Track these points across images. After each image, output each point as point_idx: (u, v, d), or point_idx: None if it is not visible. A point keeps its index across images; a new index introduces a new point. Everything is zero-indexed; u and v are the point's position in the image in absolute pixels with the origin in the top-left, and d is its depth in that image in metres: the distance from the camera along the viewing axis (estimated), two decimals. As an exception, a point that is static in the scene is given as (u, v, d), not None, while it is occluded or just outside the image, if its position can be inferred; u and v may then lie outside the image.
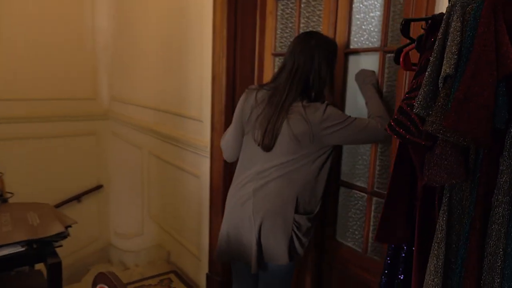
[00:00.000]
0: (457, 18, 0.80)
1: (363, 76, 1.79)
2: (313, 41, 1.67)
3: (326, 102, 1.64)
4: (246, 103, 1.79)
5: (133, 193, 3.73)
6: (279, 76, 1.71)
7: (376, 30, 1.91)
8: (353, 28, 2.01)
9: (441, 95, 0.78)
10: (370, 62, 1.95)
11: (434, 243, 0.92)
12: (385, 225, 0.95)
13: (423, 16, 1.37)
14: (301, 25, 2.29)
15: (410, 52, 1.03)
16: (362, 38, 1.98)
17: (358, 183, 2.04)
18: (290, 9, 2.37)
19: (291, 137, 1.63)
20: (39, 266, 1.78)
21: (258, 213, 1.69)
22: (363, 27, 1.97)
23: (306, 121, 1.59)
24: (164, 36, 3.04)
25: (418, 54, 1.04)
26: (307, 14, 2.26)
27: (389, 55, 1.85)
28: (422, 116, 0.82)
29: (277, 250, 1.67)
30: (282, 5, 2.41)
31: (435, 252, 0.91)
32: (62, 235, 1.61)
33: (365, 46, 1.97)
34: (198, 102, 2.70)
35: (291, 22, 2.36)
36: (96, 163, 4.07)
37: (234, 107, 2.48)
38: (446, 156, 0.85)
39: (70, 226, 1.68)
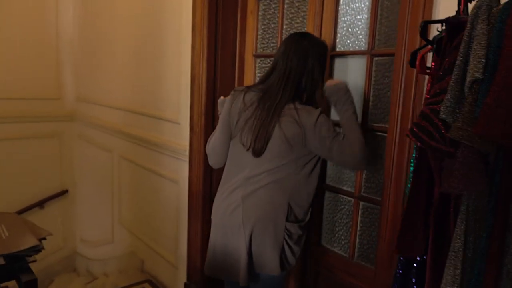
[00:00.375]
0: (482, 20, 0.77)
1: (337, 95, 1.65)
2: (306, 42, 1.62)
3: (319, 109, 1.59)
4: (234, 106, 1.71)
5: (102, 199, 3.55)
6: (270, 77, 1.64)
7: (363, 33, 1.89)
8: (339, 30, 1.98)
9: (468, 100, 0.76)
10: (356, 65, 1.93)
11: (451, 253, 0.89)
12: (406, 235, 0.92)
13: (420, 16, 1.36)
14: (284, 26, 2.24)
15: (425, 55, 1.00)
16: (348, 41, 1.96)
17: (345, 188, 2.02)
18: (272, 10, 2.32)
19: (283, 141, 1.57)
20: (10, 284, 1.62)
21: (248, 221, 1.62)
22: (350, 29, 1.94)
23: (299, 124, 1.54)
24: (138, 34, 2.91)
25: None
26: (290, 15, 2.22)
27: (376, 58, 1.84)
28: (448, 122, 0.79)
29: (269, 259, 1.61)
30: (264, 5, 2.36)
31: (452, 261, 0.88)
32: (36, 249, 1.47)
33: (351, 49, 1.95)
34: (175, 104, 2.59)
35: (274, 23, 2.31)
36: (60, 167, 3.85)
37: (215, 108, 2.41)
38: (468, 163, 0.82)
39: (44, 238, 1.54)
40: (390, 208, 1.54)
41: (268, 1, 2.33)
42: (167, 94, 2.66)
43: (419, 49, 1.04)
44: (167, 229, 2.78)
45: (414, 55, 1.07)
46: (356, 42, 1.92)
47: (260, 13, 2.38)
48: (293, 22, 2.20)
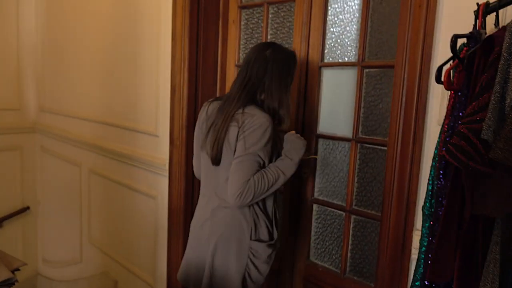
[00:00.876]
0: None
1: (292, 149, 1.58)
2: (268, 51, 1.55)
3: (267, 118, 1.46)
4: (199, 118, 1.71)
5: (69, 216, 3.32)
6: (233, 86, 1.60)
7: (352, 44, 1.87)
8: (328, 41, 1.95)
9: (509, 120, 0.72)
10: (346, 77, 1.91)
11: (487, 275, 0.85)
12: (441, 260, 0.87)
13: (422, 30, 1.35)
14: (269, 36, 2.19)
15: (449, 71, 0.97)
16: (337, 52, 1.93)
17: (335, 201, 1.98)
18: (256, 19, 2.26)
19: (227, 147, 1.49)
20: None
21: (213, 236, 1.58)
22: (339, 40, 1.92)
23: (239, 127, 1.46)
24: (109, 41, 2.76)
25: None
26: (275, 25, 2.17)
27: (367, 70, 1.82)
28: (488, 141, 0.75)
29: (231, 277, 1.54)
30: (247, 14, 2.30)
31: (489, 285, 0.84)
32: (9, 282, 1.31)
33: (340, 60, 1.92)
34: (153, 115, 2.47)
35: (257, 33, 2.26)
36: (21, 182, 3.57)
37: (197, 121, 2.31)
38: (503, 184, 0.79)
39: (18, 269, 1.38)
40: (392, 224, 1.50)
41: (251, 11, 2.28)
42: (144, 105, 2.53)
43: (444, 64, 1.02)
44: (144, 247, 2.62)
45: (439, 70, 1.04)
46: (346, 53, 1.90)
47: (242, 23, 2.32)
48: (278, 32, 2.16)
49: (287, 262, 2.15)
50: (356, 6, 1.84)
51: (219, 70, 2.37)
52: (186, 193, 2.33)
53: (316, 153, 2.00)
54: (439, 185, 0.97)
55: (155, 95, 2.44)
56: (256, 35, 2.26)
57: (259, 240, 1.56)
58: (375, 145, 1.81)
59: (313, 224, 2.09)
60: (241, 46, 2.33)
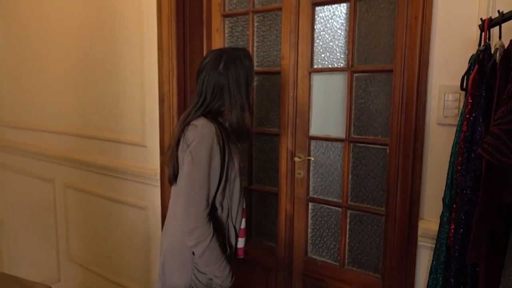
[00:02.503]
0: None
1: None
2: (221, 66, 1.45)
3: (212, 126, 1.39)
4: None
5: (42, 234, 3.17)
6: (192, 100, 1.53)
7: (341, 50, 2.00)
8: (316, 48, 2.06)
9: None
10: (336, 81, 2.03)
11: (510, 257, 1.00)
12: (477, 243, 1.00)
13: (419, 37, 1.50)
14: (256, 44, 2.26)
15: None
16: (326, 58, 2.05)
17: (331, 198, 2.10)
18: (241, 27, 2.32)
19: (180, 164, 1.45)
20: None
21: (162, 248, 1.57)
22: (327, 47, 2.04)
23: (183, 140, 1.41)
24: (85, 53, 2.68)
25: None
26: (262, 33, 2.25)
27: (357, 74, 1.95)
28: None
29: None
30: (231, 22, 2.35)
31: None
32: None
33: (330, 66, 2.04)
34: (139, 125, 2.44)
35: (243, 41, 2.32)
36: (-19, 203, 3.35)
37: (187, 129, 2.33)
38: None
39: (43, 293, 1.35)
40: (398, 215, 1.64)
41: (235, 19, 2.33)
42: (128, 115, 2.49)
43: (466, 73, 1.16)
44: (135, 259, 2.59)
45: (463, 79, 1.18)
46: (335, 59, 2.02)
47: (226, 31, 2.37)
48: (265, 40, 2.24)
49: (284, 260, 2.23)
50: (343, 15, 1.97)
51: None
52: (180, 201, 2.34)
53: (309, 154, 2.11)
54: (461, 178, 1.11)
55: (140, 105, 2.42)
56: (241, 43, 2.33)
57: None
58: (367, 144, 1.95)
59: (309, 221, 2.19)
60: (226, 54, 2.38)
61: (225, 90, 1.44)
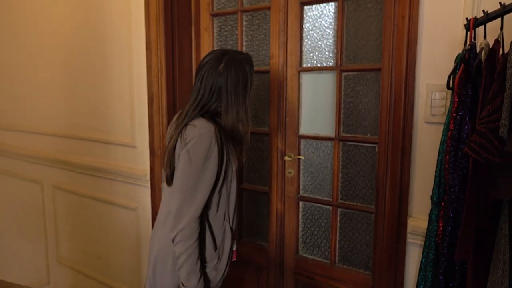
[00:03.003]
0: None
1: None
2: (221, 66, 1.42)
3: (211, 126, 1.37)
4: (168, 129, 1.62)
5: (30, 236, 3.13)
6: (188, 102, 1.49)
7: (330, 49, 2.00)
8: (305, 47, 2.07)
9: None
10: (325, 80, 2.04)
11: (498, 250, 1.02)
12: (465, 240, 1.02)
13: (406, 37, 1.51)
14: (245, 43, 2.26)
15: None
16: (315, 57, 2.06)
17: (321, 197, 2.11)
18: (230, 27, 2.32)
19: (175, 164, 1.42)
20: None
21: (152, 253, 1.54)
22: (316, 46, 2.04)
23: (181, 140, 1.39)
24: (73, 53, 2.65)
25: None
26: (251, 33, 2.24)
27: (345, 73, 1.96)
28: (503, 138, 0.91)
29: None
30: (220, 21, 2.35)
31: (501, 262, 1.00)
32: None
33: (319, 65, 2.04)
34: (128, 126, 2.42)
35: (232, 40, 2.31)
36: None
37: (177, 129, 2.32)
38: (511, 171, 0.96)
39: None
40: (387, 212, 1.66)
41: (223, 18, 2.33)
42: (117, 116, 2.47)
43: (454, 72, 1.17)
44: (126, 261, 2.57)
45: (449, 78, 1.19)
46: (324, 58, 2.03)
47: (215, 30, 2.36)
48: (254, 39, 2.23)
49: (275, 259, 2.24)
50: (332, 14, 1.98)
51: (194, 78, 2.39)
52: (170, 202, 2.33)
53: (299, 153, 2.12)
54: (448, 176, 1.13)
55: (129, 106, 2.40)
56: (230, 42, 2.32)
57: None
58: (356, 142, 1.96)
59: (300, 220, 2.20)
60: (215, 53, 2.37)
61: (223, 91, 1.42)
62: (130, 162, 2.45)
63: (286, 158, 2.12)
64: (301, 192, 2.17)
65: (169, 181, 1.46)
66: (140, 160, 2.40)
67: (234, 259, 1.61)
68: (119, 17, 2.38)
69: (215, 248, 1.49)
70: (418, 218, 1.59)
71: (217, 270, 1.51)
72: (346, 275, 2.04)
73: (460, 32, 1.43)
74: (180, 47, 2.32)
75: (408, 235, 1.61)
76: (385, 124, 1.62)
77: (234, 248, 1.60)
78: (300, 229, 2.20)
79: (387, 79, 1.59)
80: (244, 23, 2.25)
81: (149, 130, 2.32)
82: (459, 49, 1.44)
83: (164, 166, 1.47)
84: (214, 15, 2.33)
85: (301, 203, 2.18)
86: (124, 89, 2.41)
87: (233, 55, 1.46)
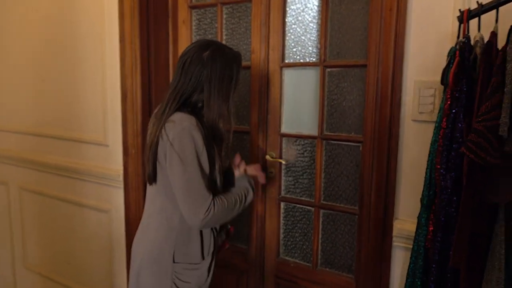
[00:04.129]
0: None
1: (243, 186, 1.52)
2: (207, 53, 1.33)
3: (192, 118, 1.29)
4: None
5: (-5, 241, 2.95)
6: (167, 92, 1.41)
7: (313, 45, 1.93)
8: (288, 42, 1.98)
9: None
10: (308, 76, 1.96)
11: (494, 256, 0.95)
12: (460, 246, 0.95)
13: (393, 32, 1.44)
14: (225, 37, 2.16)
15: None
16: (298, 52, 1.97)
17: (304, 197, 2.03)
18: (209, 19, 2.21)
19: (159, 164, 1.35)
20: None
21: (137, 256, 1.46)
22: (300, 42, 1.96)
23: (163, 137, 1.30)
24: (41, 46, 2.49)
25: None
26: (231, 26, 2.14)
27: (329, 69, 1.89)
28: (503, 137, 0.84)
29: None
30: (198, 14, 2.24)
31: (496, 265, 0.94)
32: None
33: (301, 61, 1.96)
34: (100, 123, 2.29)
35: (211, 34, 2.21)
36: None
37: (152, 127, 2.20)
38: (510, 174, 0.89)
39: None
40: (372, 215, 1.59)
41: (202, 11, 2.22)
42: (89, 113, 2.34)
43: (448, 66, 1.10)
44: (98, 265, 2.44)
45: (444, 73, 1.12)
46: (307, 53, 1.95)
47: (194, 23, 2.25)
48: (234, 32, 2.14)
49: (256, 262, 2.15)
50: (316, 8, 1.90)
51: (171, 73, 2.28)
52: (144, 203, 2.21)
53: (281, 157, 2.03)
54: (440, 178, 1.06)
55: (102, 102, 2.27)
56: (210, 36, 2.22)
57: (182, 262, 1.41)
58: (340, 141, 1.89)
59: (281, 222, 2.12)
60: (194, 48, 2.26)
61: (205, 81, 1.32)
62: (103, 161, 2.32)
63: (267, 157, 2.03)
64: (283, 193, 2.08)
65: (151, 179, 1.37)
66: (113, 159, 2.27)
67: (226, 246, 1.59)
68: (91, 9, 2.24)
69: (202, 248, 1.43)
70: (405, 221, 1.53)
71: (202, 269, 1.45)
72: (329, 278, 1.97)
73: (450, 26, 1.37)
74: (156, 41, 2.20)
75: (394, 238, 1.55)
76: (371, 123, 1.55)
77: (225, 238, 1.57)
78: (282, 231, 2.12)
79: (373, 75, 1.52)
80: (224, 16, 2.15)
81: (123, 128, 2.20)
82: (449, 43, 1.38)
83: (146, 165, 1.38)
84: (192, 7, 2.22)
85: (282, 204, 2.09)
86: (96, 84, 2.28)
87: (220, 46, 1.37)
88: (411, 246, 1.48)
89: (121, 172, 2.22)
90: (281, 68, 1.98)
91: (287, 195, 2.07)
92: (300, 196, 2.04)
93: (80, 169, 2.39)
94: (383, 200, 1.55)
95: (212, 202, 1.29)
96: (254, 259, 2.16)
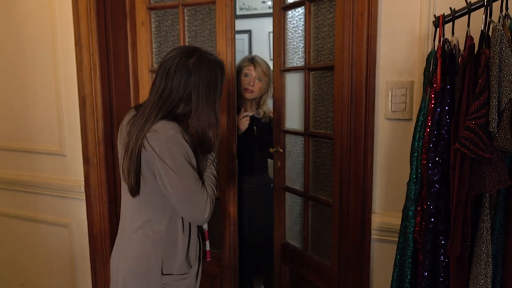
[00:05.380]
0: (507, 45, 0.93)
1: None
2: (192, 60, 1.29)
3: (176, 126, 1.26)
4: (120, 129, 1.44)
5: None
6: (149, 98, 1.33)
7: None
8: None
9: (506, 115, 0.91)
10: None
11: (481, 241, 1.04)
12: (456, 236, 1.02)
13: (365, 34, 1.51)
14: (187, 40, 2.12)
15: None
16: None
17: (297, 187, 2.06)
18: (170, 21, 2.15)
19: (143, 175, 1.30)
20: None
21: (122, 272, 1.39)
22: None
23: (146, 147, 1.25)
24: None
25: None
26: (194, 28, 2.11)
27: (313, 72, 1.91)
28: (492, 133, 0.92)
29: None
30: (158, 16, 2.17)
31: (484, 253, 1.03)
32: None
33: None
34: (54, 132, 2.14)
35: (173, 36, 2.16)
36: None
37: (114, 134, 2.10)
38: (497, 166, 0.98)
39: None
40: (351, 209, 1.64)
41: (162, 12, 2.16)
42: (40, 121, 2.17)
43: (428, 68, 1.16)
44: (58, 284, 2.28)
45: (425, 75, 1.19)
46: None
47: (153, 25, 2.18)
48: (198, 35, 2.10)
49: (229, 266, 2.14)
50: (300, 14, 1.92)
51: (131, 77, 2.20)
52: (110, 215, 2.11)
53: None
54: (427, 172, 1.13)
55: (56, 109, 2.12)
56: (171, 38, 2.16)
57: (171, 274, 1.36)
58: (320, 138, 1.92)
59: (287, 209, 2.16)
60: (154, 50, 2.20)
61: (193, 90, 1.28)
62: (59, 172, 2.17)
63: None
64: (286, 183, 2.11)
65: (133, 191, 1.30)
66: (72, 170, 2.13)
67: (208, 259, 1.55)
68: (39, 10, 2.09)
69: (188, 257, 1.39)
70: (382, 214, 1.61)
71: (190, 277, 1.41)
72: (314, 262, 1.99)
73: (418, 29, 1.46)
74: (114, 44, 2.10)
75: (372, 232, 1.62)
76: (346, 120, 1.60)
77: (207, 249, 1.53)
78: (287, 217, 2.13)
79: (347, 76, 1.57)
80: (186, 17, 2.10)
81: (82, 136, 2.07)
82: (417, 46, 1.48)
83: (124, 175, 1.30)
84: (151, 8, 2.15)
85: (286, 193, 2.12)
86: (49, 91, 2.12)
87: (204, 53, 1.33)
88: (389, 239, 1.58)
89: (82, 183, 2.10)
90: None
91: (289, 185, 2.11)
92: (295, 186, 2.08)
93: (33, 182, 2.21)
94: (361, 196, 1.61)
95: (207, 194, 1.29)
96: (228, 263, 2.14)
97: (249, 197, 2.30)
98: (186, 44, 2.11)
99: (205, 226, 1.51)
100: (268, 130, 2.26)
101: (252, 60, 2.28)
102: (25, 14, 2.12)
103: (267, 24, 3.48)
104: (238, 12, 3.38)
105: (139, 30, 2.18)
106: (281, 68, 2.00)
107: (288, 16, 2.00)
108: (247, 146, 2.23)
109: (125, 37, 2.16)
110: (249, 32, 3.50)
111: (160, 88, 1.29)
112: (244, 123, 2.18)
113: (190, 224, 1.40)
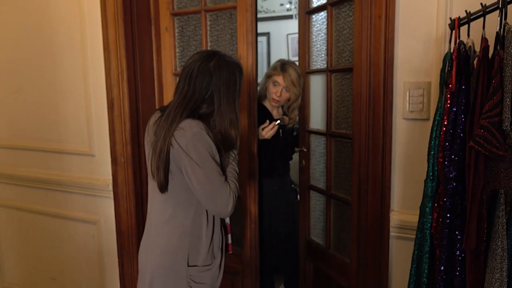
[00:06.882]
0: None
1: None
2: (212, 63, 1.37)
3: (200, 124, 1.33)
4: (147, 129, 1.53)
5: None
6: (174, 100, 1.41)
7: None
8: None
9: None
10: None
11: (496, 237, 1.08)
12: (471, 231, 1.06)
13: (383, 37, 1.55)
14: (210, 44, 2.19)
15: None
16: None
17: (321, 186, 2.15)
18: (193, 26, 2.24)
19: (172, 172, 1.37)
20: None
21: (150, 267, 1.46)
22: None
23: (173, 145, 1.32)
24: (19, 57, 2.39)
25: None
26: (216, 33, 2.18)
27: (334, 74, 1.97)
28: (506, 131, 0.96)
29: None
30: (181, 21, 2.26)
31: (499, 248, 1.06)
32: None
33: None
34: (84, 133, 2.25)
35: (196, 41, 2.24)
36: None
37: (140, 135, 2.20)
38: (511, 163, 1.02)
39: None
40: (369, 207, 1.69)
41: (185, 18, 2.24)
42: (71, 123, 2.28)
43: (444, 69, 1.21)
44: (87, 279, 2.38)
45: (442, 75, 1.23)
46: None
47: (177, 30, 2.27)
48: (219, 39, 2.17)
49: (251, 263, 2.20)
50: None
51: (156, 80, 2.29)
52: (137, 212, 2.20)
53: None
54: (444, 170, 1.18)
55: (85, 112, 2.23)
56: (194, 43, 2.24)
57: (197, 265, 1.43)
58: (341, 138, 1.98)
59: (311, 207, 2.25)
60: (178, 54, 2.28)
61: (215, 90, 1.36)
62: (88, 172, 2.27)
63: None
64: (311, 181, 2.22)
65: (163, 188, 1.38)
66: (100, 169, 2.23)
67: (230, 252, 1.62)
68: (69, 17, 2.20)
69: (212, 248, 1.47)
70: (400, 212, 1.65)
71: (214, 267, 1.48)
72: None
73: (435, 31, 1.50)
74: (140, 49, 2.19)
75: (391, 229, 1.66)
76: (364, 121, 1.65)
77: (229, 242, 1.59)
78: (311, 215, 2.24)
79: (365, 78, 1.62)
80: (208, 22, 2.18)
81: (110, 137, 2.17)
82: (433, 47, 1.52)
83: (153, 173, 1.38)
84: (175, 14, 2.23)
85: (311, 192, 2.24)
86: (78, 94, 2.23)
87: (223, 56, 1.41)
88: (407, 236, 1.62)
89: (110, 181, 2.19)
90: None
91: (313, 184, 2.21)
92: (318, 185, 2.18)
93: (63, 181, 2.33)
94: (379, 194, 1.65)
95: (230, 188, 1.36)
96: (249, 260, 2.21)
97: (271, 198, 2.33)
98: (209, 48, 2.19)
99: (227, 220, 1.58)
100: (292, 134, 2.33)
101: (283, 68, 2.20)
102: (56, 20, 2.24)
103: (285, 26, 3.58)
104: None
105: (163, 35, 2.27)
106: (306, 70, 2.08)
107: (312, 20, 2.07)
108: (271, 149, 2.26)
109: (150, 42, 2.25)
110: (267, 34, 3.57)
111: (184, 90, 1.37)
112: (270, 134, 2.17)
113: (213, 218, 1.47)
